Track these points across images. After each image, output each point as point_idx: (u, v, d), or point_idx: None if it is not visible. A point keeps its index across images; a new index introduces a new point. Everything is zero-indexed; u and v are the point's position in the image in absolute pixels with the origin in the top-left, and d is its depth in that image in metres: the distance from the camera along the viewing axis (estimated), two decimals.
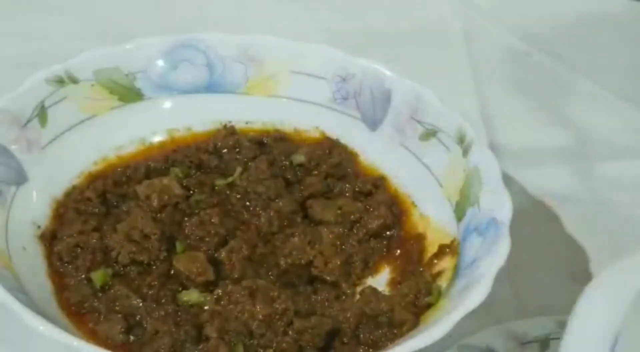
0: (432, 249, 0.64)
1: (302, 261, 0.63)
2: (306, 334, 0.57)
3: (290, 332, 0.56)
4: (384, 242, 0.66)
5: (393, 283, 0.64)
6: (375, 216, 0.66)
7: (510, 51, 0.95)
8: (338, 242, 0.65)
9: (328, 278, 0.63)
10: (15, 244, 0.60)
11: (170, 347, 0.56)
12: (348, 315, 0.59)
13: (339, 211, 0.66)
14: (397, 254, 0.66)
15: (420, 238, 0.66)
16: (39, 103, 0.66)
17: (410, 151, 0.69)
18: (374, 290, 0.62)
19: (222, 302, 0.58)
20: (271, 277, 0.62)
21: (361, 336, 0.59)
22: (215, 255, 0.62)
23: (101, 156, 0.70)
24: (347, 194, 0.68)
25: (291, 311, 0.57)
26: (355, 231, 0.66)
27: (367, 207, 0.67)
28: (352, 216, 0.66)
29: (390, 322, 0.59)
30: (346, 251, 0.65)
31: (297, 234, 0.64)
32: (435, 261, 0.63)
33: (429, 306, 0.60)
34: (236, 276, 0.61)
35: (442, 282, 0.61)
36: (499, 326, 0.62)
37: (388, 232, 0.67)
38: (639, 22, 1.00)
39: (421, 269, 0.63)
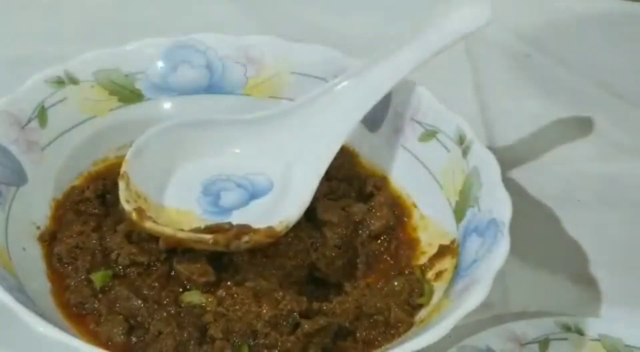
0: (432, 250, 0.64)
1: (306, 263, 0.63)
2: (316, 337, 0.57)
3: (299, 336, 0.56)
4: (385, 245, 0.66)
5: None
6: (378, 217, 0.66)
7: (510, 52, 0.95)
8: (341, 244, 0.65)
9: (331, 280, 0.63)
10: (15, 244, 0.60)
11: (173, 348, 0.56)
12: (345, 308, 0.59)
13: (342, 212, 0.66)
14: (385, 258, 0.66)
15: (413, 244, 0.66)
16: (39, 104, 0.66)
17: (409, 152, 0.69)
18: (367, 284, 0.63)
19: (226, 304, 0.58)
20: (275, 278, 0.62)
21: (358, 334, 0.59)
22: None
23: (101, 157, 0.70)
24: (351, 195, 0.68)
25: (296, 312, 0.57)
26: (359, 232, 0.66)
27: (370, 208, 0.67)
28: (356, 217, 0.66)
29: (386, 322, 0.59)
30: (349, 252, 0.65)
31: (300, 235, 0.63)
32: (435, 262, 0.63)
33: (420, 306, 0.61)
34: (239, 277, 0.61)
35: (442, 283, 0.61)
36: (499, 326, 0.62)
37: (386, 235, 0.67)
38: (637, 21, 1.00)
39: (411, 270, 0.64)
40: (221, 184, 0.67)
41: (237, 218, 0.64)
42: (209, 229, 0.61)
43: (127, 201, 0.61)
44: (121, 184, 0.63)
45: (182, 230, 0.61)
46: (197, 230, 0.61)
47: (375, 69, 0.67)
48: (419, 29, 0.67)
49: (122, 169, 0.63)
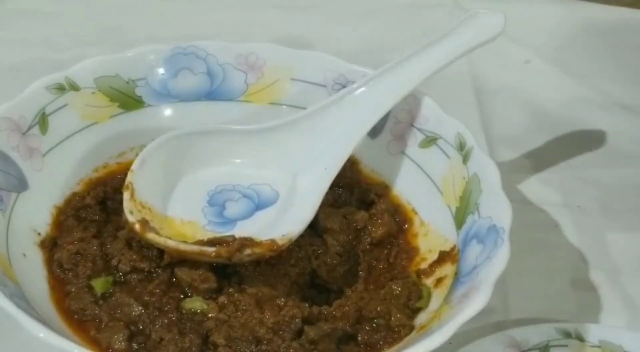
0: (432, 256, 0.64)
1: (307, 270, 0.63)
2: (321, 344, 0.57)
3: (304, 343, 0.56)
4: (384, 252, 0.66)
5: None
6: (380, 224, 0.66)
7: (510, 59, 0.95)
8: (343, 251, 0.65)
9: (332, 287, 0.63)
10: (15, 251, 0.60)
11: None
12: (345, 312, 0.59)
13: (344, 220, 0.66)
14: (386, 265, 0.66)
15: (413, 253, 0.66)
16: (39, 110, 0.66)
17: (410, 158, 0.69)
18: (365, 287, 0.63)
19: (228, 310, 0.58)
20: (278, 285, 0.62)
21: (360, 338, 0.59)
22: None
23: (101, 163, 0.70)
24: (352, 203, 0.68)
25: (299, 318, 0.58)
26: (361, 240, 0.66)
27: (371, 215, 0.67)
28: (357, 225, 0.66)
29: (387, 326, 0.59)
30: (351, 260, 0.65)
31: (302, 243, 0.63)
32: (436, 268, 0.63)
33: (418, 309, 0.61)
34: (243, 285, 0.61)
35: (442, 289, 0.61)
36: (499, 333, 0.62)
37: (387, 242, 0.67)
38: (637, 29, 1.00)
39: (406, 274, 0.64)
40: (227, 194, 0.67)
41: (240, 229, 0.64)
42: (211, 242, 0.61)
43: (131, 212, 0.61)
44: (125, 195, 0.62)
45: (185, 242, 0.61)
46: (200, 242, 0.61)
47: (385, 80, 0.67)
48: (431, 38, 0.67)
49: (127, 180, 0.63)
